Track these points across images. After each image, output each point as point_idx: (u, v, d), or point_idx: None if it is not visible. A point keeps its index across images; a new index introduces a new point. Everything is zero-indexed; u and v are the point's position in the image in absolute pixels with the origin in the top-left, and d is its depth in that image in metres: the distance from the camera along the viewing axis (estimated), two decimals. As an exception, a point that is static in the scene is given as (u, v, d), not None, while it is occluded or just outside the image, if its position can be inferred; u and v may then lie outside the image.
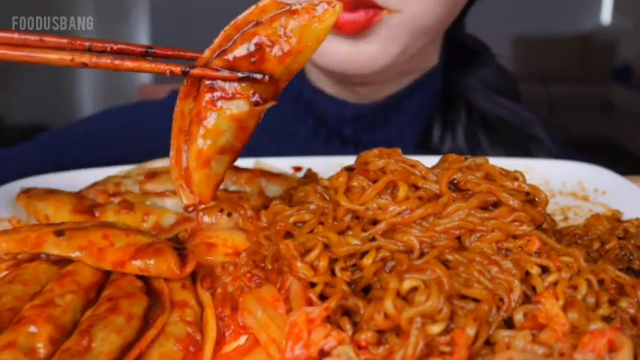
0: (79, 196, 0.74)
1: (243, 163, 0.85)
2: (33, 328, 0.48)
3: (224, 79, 0.57)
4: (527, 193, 0.57)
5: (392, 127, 1.10)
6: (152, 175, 0.78)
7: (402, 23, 0.93)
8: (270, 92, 0.59)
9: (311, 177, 0.83)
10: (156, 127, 1.13)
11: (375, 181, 0.57)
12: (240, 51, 0.56)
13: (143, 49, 0.57)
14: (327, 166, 0.87)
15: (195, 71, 0.56)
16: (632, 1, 5.80)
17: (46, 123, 4.84)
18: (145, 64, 0.56)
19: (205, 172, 0.59)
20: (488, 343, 0.48)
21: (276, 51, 0.56)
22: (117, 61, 0.55)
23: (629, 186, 0.82)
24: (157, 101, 1.29)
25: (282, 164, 0.90)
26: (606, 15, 5.99)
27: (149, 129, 1.13)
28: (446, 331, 0.47)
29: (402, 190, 0.56)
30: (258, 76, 0.57)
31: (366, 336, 0.48)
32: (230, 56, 0.56)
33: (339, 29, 0.91)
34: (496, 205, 0.55)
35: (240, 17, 0.57)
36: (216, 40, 0.57)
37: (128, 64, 0.55)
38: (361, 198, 0.56)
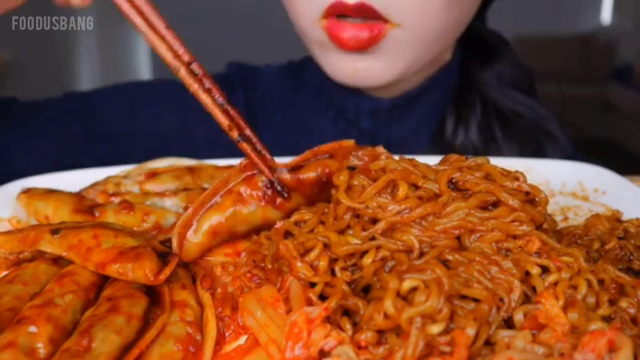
0: (79, 196, 0.74)
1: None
2: (33, 328, 0.48)
3: (262, 171, 0.63)
4: (528, 193, 0.57)
5: (408, 122, 1.11)
6: (152, 175, 0.78)
7: (406, 37, 0.93)
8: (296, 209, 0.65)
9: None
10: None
11: (375, 180, 0.57)
12: (309, 174, 0.65)
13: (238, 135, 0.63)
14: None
15: (243, 144, 0.62)
16: (632, 1, 5.80)
17: (46, 123, 4.84)
18: (216, 109, 0.62)
19: (207, 240, 0.62)
20: (489, 343, 0.48)
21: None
22: (199, 88, 0.62)
23: (629, 186, 0.82)
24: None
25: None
26: (606, 15, 5.98)
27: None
28: (446, 331, 0.47)
29: (402, 189, 0.55)
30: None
31: (366, 336, 0.48)
32: (301, 176, 0.65)
33: (343, 45, 0.92)
34: (496, 205, 0.55)
35: (322, 147, 0.66)
36: (296, 159, 0.65)
37: (204, 97, 0.62)
38: (361, 196, 0.56)
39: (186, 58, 0.61)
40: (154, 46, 0.60)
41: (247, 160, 0.64)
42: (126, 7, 0.59)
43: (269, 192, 0.63)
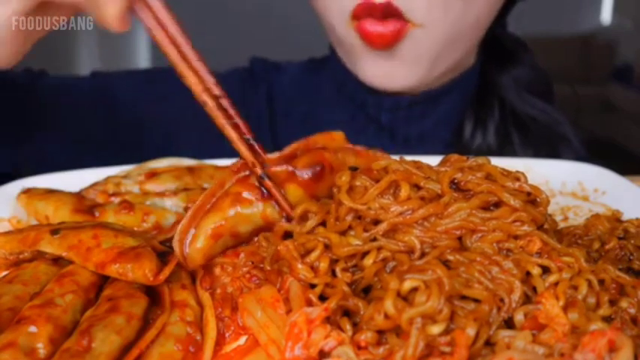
0: (79, 196, 0.74)
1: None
2: (33, 328, 0.48)
3: (280, 205, 0.62)
4: (529, 194, 0.56)
5: (427, 122, 1.12)
6: (152, 175, 0.78)
7: (426, 37, 0.95)
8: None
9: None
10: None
11: (377, 181, 0.57)
12: (304, 163, 0.64)
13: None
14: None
15: (267, 183, 0.62)
16: (632, 1, 5.79)
17: (46, 123, 4.84)
18: (241, 145, 0.62)
19: (209, 244, 0.60)
20: (489, 343, 0.48)
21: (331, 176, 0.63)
22: (225, 123, 0.62)
23: (629, 186, 0.82)
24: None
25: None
26: (606, 15, 5.98)
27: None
28: (446, 332, 0.47)
29: (404, 190, 0.55)
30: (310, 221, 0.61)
31: (366, 336, 0.48)
32: (292, 168, 0.63)
33: (371, 43, 0.94)
34: (497, 205, 0.55)
35: (312, 137, 0.67)
36: (288, 149, 0.65)
37: (231, 133, 0.62)
38: (363, 197, 0.56)
39: (216, 91, 0.61)
40: (184, 77, 0.61)
41: (241, 161, 0.63)
42: (160, 37, 0.60)
43: (263, 188, 0.62)
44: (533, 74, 1.20)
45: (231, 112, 0.62)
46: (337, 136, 0.65)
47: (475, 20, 0.99)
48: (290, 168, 0.63)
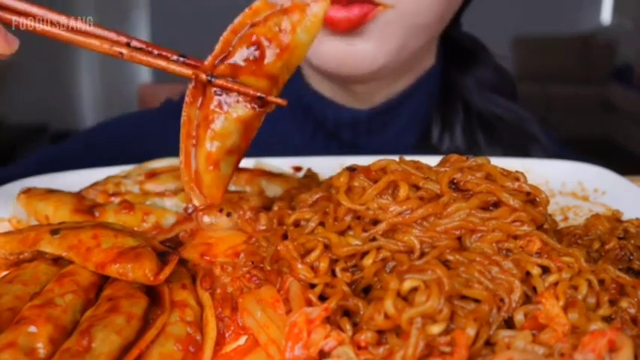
0: (79, 196, 0.74)
1: (243, 163, 0.84)
2: (33, 328, 0.48)
3: (243, 94, 0.60)
4: (528, 194, 0.56)
5: (390, 131, 1.10)
6: (152, 175, 0.78)
7: (396, 20, 0.91)
8: (271, 92, 0.62)
9: (311, 177, 0.83)
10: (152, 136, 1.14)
11: (376, 181, 0.57)
12: (241, 54, 0.60)
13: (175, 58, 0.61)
14: (328, 166, 0.87)
15: (219, 82, 0.60)
16: (632, 1, 5.80)
17: (46, 123, 4.85)
18: (174, 66, 0.60)
19: (215, 173, 0.61)
20: (489, 343, 0.48)
21: (273, 48, 0.60)
22: (150, 58, 0.59)
23: (629, 186, 0.82)
24: (150, 111, 1.28)
25: (283, 164, 0.90)
26: (606, 15, 5.99)
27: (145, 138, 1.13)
28: (446, 332, 0.47)
29: (403, 190, 0.55)
30: (274, 100, 0.61)
31: (366, 336, 0.48)
32: (232, 60, 0.60)
33: (334, 26, 0.89)
34: (497, 205, 0.55)
35: (235, 21, 0.60)
36: (218, 47, 0.60)
37: (160, 62, 0.60)
38: (362, 198, 0.56)
39: (123, 40, 0.59)
40: (86, 47, 0.59)
41: (190, 86, 0.61)
42: (40, 28, 0.58)
43: (221, 95, 0.61)
44: (495, 73, 1.19)
45: (149, 47, 0.60)
46: (260, 6, 0.60)
47: (445, 9, 0.96)
48: (230, 61, 0.60)
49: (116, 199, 0.73)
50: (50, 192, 0.73)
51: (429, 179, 0.57)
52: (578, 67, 5.61)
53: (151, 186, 0.76)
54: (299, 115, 1.12)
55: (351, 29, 0.90)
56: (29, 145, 4.38)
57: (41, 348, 0.47)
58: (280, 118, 1.13)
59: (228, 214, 0.68)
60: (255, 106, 0.61)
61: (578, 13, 5.96)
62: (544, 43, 5.56)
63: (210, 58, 0.60)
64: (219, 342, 0.54)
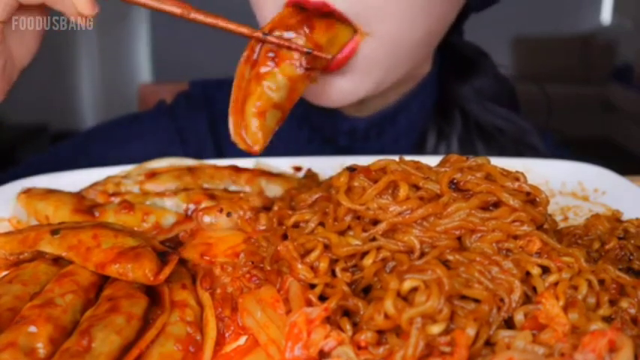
0: (79, 196, 0.74)
1: (243, 163, 0.85)
2: (33, 328, 0.48)
3: (293, 49, 0.71)
4: (528, 194, 0.56)
5: (387, 138, 1.08)
6: (152, 175, 0.78)
7: (376, 49, 0.83)
8: (317, 63, 0.74)
9: (311, 177, 0.83)
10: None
11: (376, 181, 0.57)
12: (290, 33, 0.72)
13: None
14: (328, 166, 0.87)
15: (272, 38, 0.71)
16: (632, 1, 5.80)
17: (46, 123, 4.85)
18: (233, 25, 0.69)
19: (261, 121, 0.68)
20: (489, 343, 0.48)
21: (322, 24, 0.74)
22: (209, 19, 0.68)
23: (629, 186, 0.82)
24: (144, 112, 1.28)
25: (282, 164, 0.90)
26: (606, 15, 5.98)
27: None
28: (446, 332, 0.47)
29: (403, 190, 0.55)
30: (321, 55, 0.74)
31: (366, 336, 0.48)
32: (287, 32, 0.72)
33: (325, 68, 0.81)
34: (497, 205, 0.55)
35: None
36: (276, 17, 0.74)
37: (219, 22, 0.69)
38: (362, 198, 0.56)
39: (186, 5, 0.67)
40: (162, 10, 0.67)
41: (246, 52, 0.71)
42: None
43: (272, 54, 0.71)
44: (495, 83, 1.15)
45: (209, 13, 0.68)
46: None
47: (430, 28, 0.89)
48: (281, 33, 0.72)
49: (116, 199, 0.73)
50: (50, 192, 0.73)
51: (429, 179, 0.57)
52: (578, 67, 5.60)
53: (151, 186, 0.76)
54: (295, 121, 1.09)
55: (340, 68, 0.82)
56: (29, 145, 4.38)
57: (41, 348, 0.47)
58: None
59: (228, 214, 0.68)
60: (303, 67, 0.71)
61: (578, 13, 5.95)
62: (544, 43, 5.56)
63: (264, 26, 0.72)
64: (219, 342, 0.54)
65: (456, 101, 1.11)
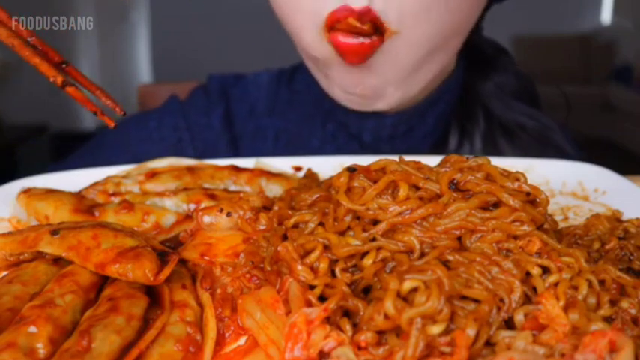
0: (79, 196, 0.74)
1: (243, 163, 0.85)
2: (33, 328, 0.48)
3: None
4: (528, 194, 0.56)
5: (413, 136, 1.07)
6: (152, 175, 0.78)
7: (404, 47, 0.85)
8: None
9: (311, 177, 0.82)
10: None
11: (376, 182, 0.57)
12: None
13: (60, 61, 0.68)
14: (328, 166, 0.87)
15: (69, 89, 0.68)
16: (632, 1, 5.80)
17: (46, 123, 4.84)
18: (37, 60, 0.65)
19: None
20: (489, 343, 0.48)
21: None
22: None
23: (629, 186, 0.82)
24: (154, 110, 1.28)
25: (282, 164, 0.90)
26: (606, 15, 5.98)
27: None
28: (446, 332, 0.47)
29: (403, 191, 0.55)
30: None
31: (365, 336, 0.48)
32: None
33: (348, 56, 0.84)
34: (497, 205, 0.55)
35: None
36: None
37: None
38: (362, 198, 0.56)
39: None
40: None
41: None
42: None
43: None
44: (516, 79, 1.15)
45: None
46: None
47: (454, 27, 0.90)
48: None
49: (116, 199, 0.73)
50: (50, 192, 0.73)
51: (429, 179, 0.57)
52: (578, 67, 5.60)
53: (151, 186, 0.76)
54: (320, 116, 1.10)
55: (361, 61, 0.85)
56: (29, 145, 4.37)
57: (41, 348, 0.47)
58: (301, 117, 1.12)
59: (228, 214, 0.68)
60: None
61: (578, 13, 5.95)
62: (544, 43, 5.56)
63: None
64: (219, 342, 0.54)
65: (478, 99, 1.11)
